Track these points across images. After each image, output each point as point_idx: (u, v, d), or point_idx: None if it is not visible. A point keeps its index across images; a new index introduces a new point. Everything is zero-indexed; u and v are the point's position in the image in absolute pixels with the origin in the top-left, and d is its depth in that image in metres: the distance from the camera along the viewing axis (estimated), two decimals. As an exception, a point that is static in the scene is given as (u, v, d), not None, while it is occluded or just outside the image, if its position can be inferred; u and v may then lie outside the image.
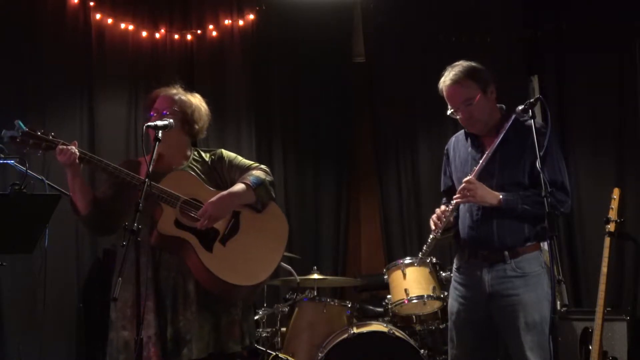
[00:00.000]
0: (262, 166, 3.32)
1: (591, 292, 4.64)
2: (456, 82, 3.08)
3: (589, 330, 4.08)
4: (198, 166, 3.26)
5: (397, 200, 5.78)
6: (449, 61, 3.22)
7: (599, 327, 3.91)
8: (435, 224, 3.11)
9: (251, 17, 5.75)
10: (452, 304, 3.20)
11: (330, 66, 5.86)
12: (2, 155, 3.45)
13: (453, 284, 3.23)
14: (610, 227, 3.97)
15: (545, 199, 2.73)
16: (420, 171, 5.76)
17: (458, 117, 3.11)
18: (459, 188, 3.04)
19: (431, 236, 3.13)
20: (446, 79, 3.13)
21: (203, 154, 3.33)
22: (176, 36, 5.65)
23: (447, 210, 3.09)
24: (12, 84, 5.00)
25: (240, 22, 5.74)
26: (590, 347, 3.95)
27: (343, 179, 5.94)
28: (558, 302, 4.35)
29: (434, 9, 5.75)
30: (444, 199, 3.34)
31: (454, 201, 3.06)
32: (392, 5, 5.73)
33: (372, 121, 5.94)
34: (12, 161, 3.56)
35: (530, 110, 2.89)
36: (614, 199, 3.99)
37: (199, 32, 5.69)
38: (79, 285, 5.03)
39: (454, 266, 3.25)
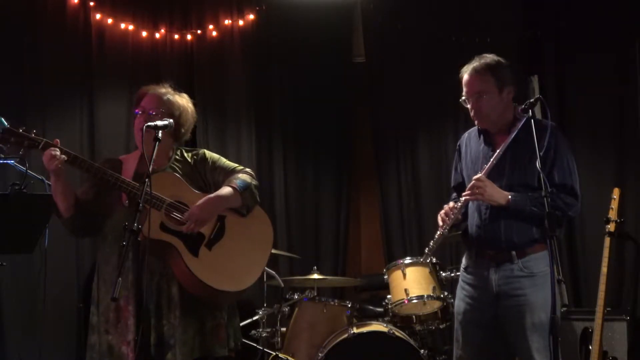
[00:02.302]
0: (247, 169, 3.28)
1: (591, 292, 4.63)
2: (476, 72, 3.08)
3: (589, 330, 4.07)
4: (180, 166, 3.20)
5: (397, 200, 5.79)
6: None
7: (599, 327, 3.90)
8: (443, 220, 3.10)
9: (251, 17, 5.75)
10: (459, 304, 3.19)
11: (330, 66, 5.87)
12: (2, 155, 3.45)
13: (460, 283, 3.22)
14: (610, 227, 3.96)
15: (545, 198, 2.72)
16: (420, 171, 5.77)
17: (468, 106, 3.11)
18: (468, 185, 3.03)
19: (438, 232, 3.12)
20: (469, 66, 3.12)
21: (185, 154, 3.26)
22: (176, 36, 5.64)
23: (456, 207, 3.08)
24: (12, 84, 5.00)
25: (240, 22, 5.74)
26: (590, 347, 3.95)
27: (343, 179, 5.94)
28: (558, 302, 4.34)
29: (433, 9, 5.75)
30: (454, 194, 3.33)
31: (463, 198, 3.06)
32: (392, 5, 5.73)
33: (372, 121, 5.95)
34: (12, 161, 3.56)
35: (530, 110, 2.89)
36: (614, 199, 3.99)
37: (199, 32, 5.69)
38: (79, 285, 5.03)
39: (462, 266, 3.25)
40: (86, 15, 5.31)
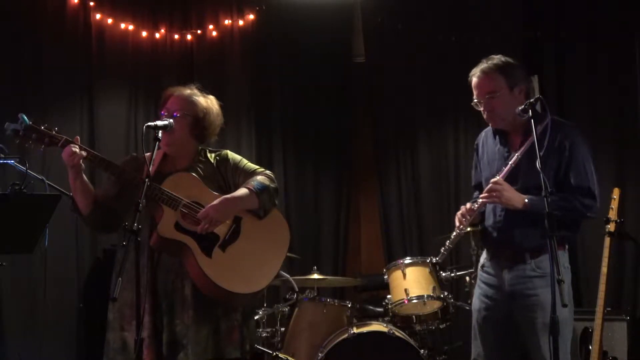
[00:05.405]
0: (267, 172, 3.26)
1: (591, 292, 4.63)
2: (485, 74, 3.09)
3: (589, 330, 4.07)
4: (202, 167, 3.21)
5: (397, 200, 5.79)
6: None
7: (599, 327, 3.91)
8: (460, 221, 3.12)
9: (251, 17, 5.75)
10: (476, 302, 3.23)
11: (330, 66, 5.87)
12: (2, 155, 3.46)
13: (478, 282, 3.25)
14: (610, 227, 3.96)
15: (545, 199, 2.72)
16: (420, 171, 5.77)
17: (481, 109, 3.11)
18: (486, 188, 3.05)
19: (455, 232, 3.15)
20: (477, 69, 3.13)
21: (208, 155, 3.27)
22: (176, 36, 5.65)
23: (473, 208, 3.10)
24: (12, 84, 5.00)
25: (240, 22, 5.74)
26: (590, 347, 3.95)
27: (343, 179, 5.95)
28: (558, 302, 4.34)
29: (433, 9, 5.75)
30: (476, 193, 3.34)
31: (480, 200, 3.08)
32: (393, 4, 5.74)
33: (372, 121, 5.95)
34: (12, 161, 3.56)
35: (530, 110, 2.89)
36: (614, 199, 3.99)
37: (199, 32, 5.69)
38: (79, 285, 5.03)
39: (480, 264, 3.28)
40: (86, 15, 5.32)
